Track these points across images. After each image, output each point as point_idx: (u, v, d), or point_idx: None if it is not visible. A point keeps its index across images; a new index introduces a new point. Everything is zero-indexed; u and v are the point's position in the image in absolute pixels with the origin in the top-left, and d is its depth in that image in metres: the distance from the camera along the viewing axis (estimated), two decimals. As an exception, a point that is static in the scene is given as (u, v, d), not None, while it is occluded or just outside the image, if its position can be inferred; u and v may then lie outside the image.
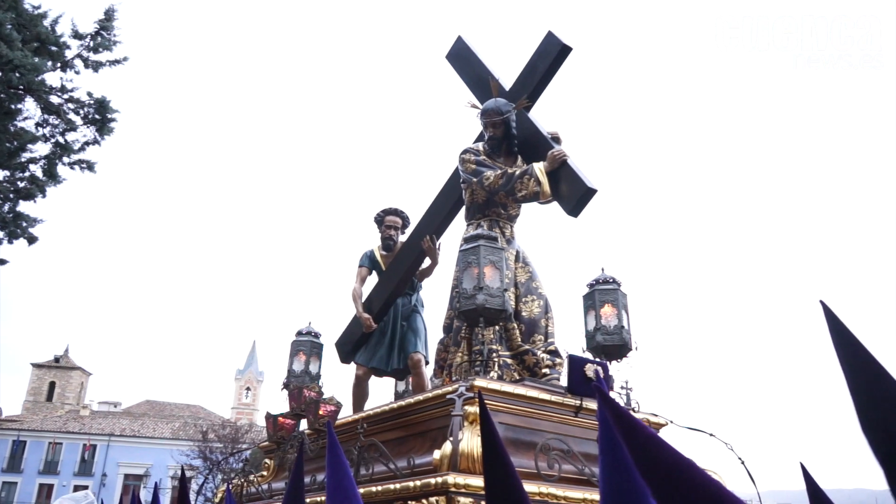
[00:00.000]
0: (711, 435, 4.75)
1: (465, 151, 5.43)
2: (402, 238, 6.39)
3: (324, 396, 4.89)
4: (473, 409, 3.86)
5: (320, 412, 4.71)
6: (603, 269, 5.13)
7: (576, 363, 4.29)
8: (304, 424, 5.00)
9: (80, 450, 42.88)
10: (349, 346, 6.33)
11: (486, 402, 3.86)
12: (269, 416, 5.13)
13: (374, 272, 6.44)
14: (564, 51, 5.22)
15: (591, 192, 4.77)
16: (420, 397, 4.37)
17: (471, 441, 3.61)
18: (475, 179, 5.24)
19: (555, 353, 5.01)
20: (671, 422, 4.75)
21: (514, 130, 5.27)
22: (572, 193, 4.84)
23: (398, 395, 6.50)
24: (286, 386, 6.04)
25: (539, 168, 4.95)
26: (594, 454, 4.15)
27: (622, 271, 5.19)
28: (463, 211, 5.82)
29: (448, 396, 3.84)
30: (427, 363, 6.12)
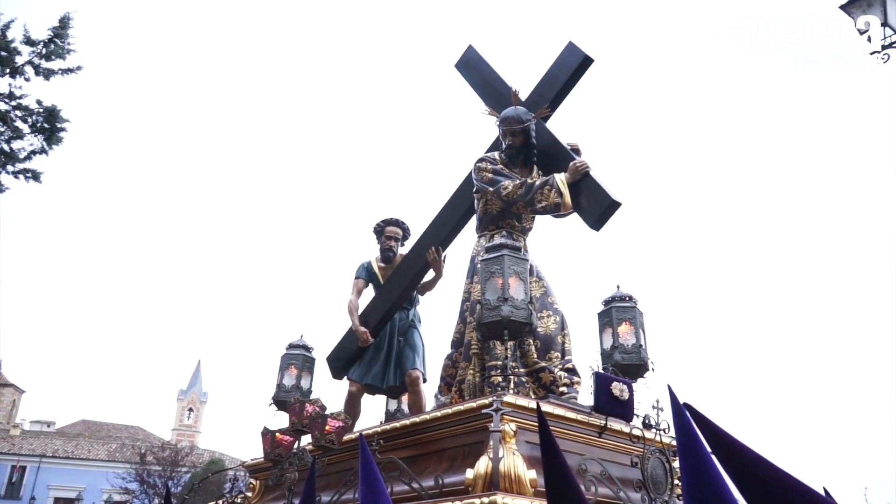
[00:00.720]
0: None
1: (481, 160, 5.25)
2: (402, 250, 6.17)
3: (327, 411, 4.61)
4: (503, 426, 3.64)
5: (327, 428, 4.43)
6: (618, 287, 5.00)
7: (603, 381, 4.11)
8: (299, 441, 4.70)
9: (7, 471, 40.75)
10: (342, 362, 6.03)
11: (513, 419, 3.65)
12: (266, 432, 4.80)
13: (370, 285, 6.19)
14: (586, 62, 5.12)
15: (615, 205, 4.64)
16: (441, 413, 4.12)
17: (508, 460, 3.38)
18: (491, 189, 5.07)
19: (572, 372, 4.83)
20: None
21: (533, 140, 5.13)
22: (595, 206, 4.70)
23: (389, 415, 6.22)
24: (277, 402, 5.72)
25: (560, 179, 4.80)
26: (622, 477, 3.96)
27: (636, 287, 5.05)
28: (469, 224, 5.65)
29: (484, 411, 3.60)
30: (425, 380, 5.87)
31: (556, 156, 5.06)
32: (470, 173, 5.48)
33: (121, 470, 35.78)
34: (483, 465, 3.39)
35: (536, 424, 3.93)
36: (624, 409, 4.16)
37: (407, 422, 4.38)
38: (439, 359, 5.62)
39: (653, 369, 4.81)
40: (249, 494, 5.65)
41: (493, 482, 3.27)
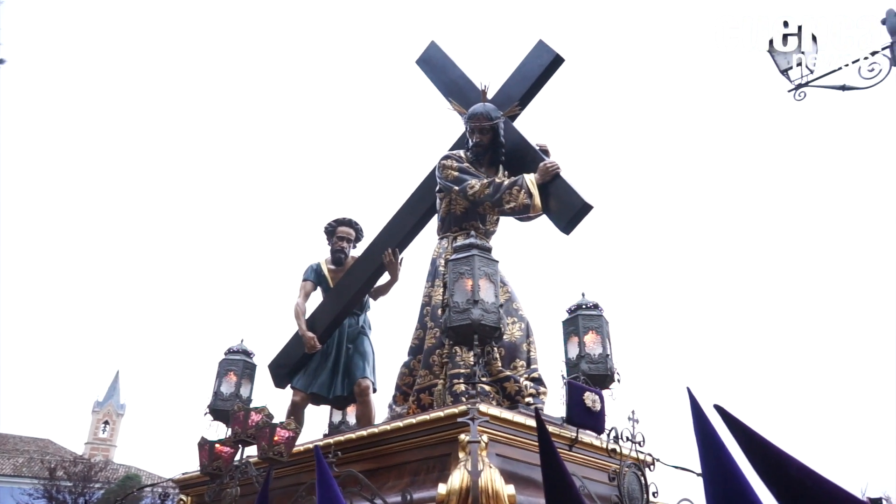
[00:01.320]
0: (699, 475, 4.46)
1: (446, 157, 5.00)
2: (354, 252, 5.85)
3: (273, 420, 4.24)
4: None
5: (276, 438, 4.06)
6: (584, 294, 4.81)
7: (576, 391, 3.90)
8: (242, 452, 4.32)
9: None
10: (286, 369, 5.65)
11: (484, 429, 3.38)
12: (203, 443, 4.40)
13: (319, 288, 5.83)
14: (557, 61, 4.97)
15: (587, 208, 4.46)
16: (405, 423, 3.82)
17: (485, 473, 3.11)
18: (457, 188, 4.82)
19: (538, 381, 4.61)
20: (658, 460, 4.43)
21: (501, 138, 4.91)
22: (566, 209, 4.51)
23: (333, 427, 5.86)
24: (214, 411, 5.28)
25: (530, 179, 4.59)
26: (597, 492, 3.74)
27: (601, 295, 4.88)
28: (429, 225, 5.39)
29: (460, 420, 3.31)
30: (375, 390, 5.55)
31: (525, 156, 4.87)
32: (432, 171, 5.22)
33: (27, 486, 33.92)
34: (458, 479, 3.10)
35: (509, 437, 3.70)
36: (596, 421, 3.96)
37: (365, 432, 4.05)
38: (389, 367, 5.33)
39: (618, 380, 4.63)
40: (181, 512, 5.20)
41: (473, 498, 2.99)
